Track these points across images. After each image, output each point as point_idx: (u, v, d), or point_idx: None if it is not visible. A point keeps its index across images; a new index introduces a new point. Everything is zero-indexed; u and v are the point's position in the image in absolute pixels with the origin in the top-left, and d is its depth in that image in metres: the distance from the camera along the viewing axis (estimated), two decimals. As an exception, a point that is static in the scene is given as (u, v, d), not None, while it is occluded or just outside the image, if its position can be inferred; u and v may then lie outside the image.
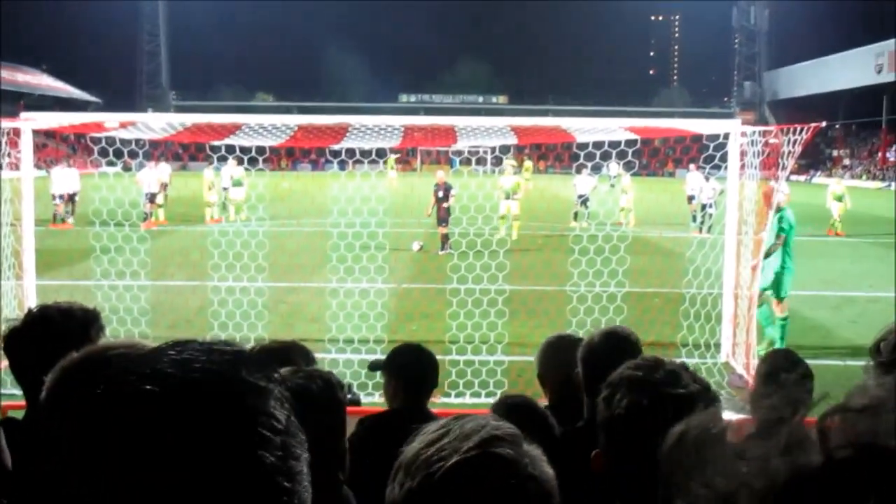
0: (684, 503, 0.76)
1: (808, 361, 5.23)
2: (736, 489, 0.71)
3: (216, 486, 0.85)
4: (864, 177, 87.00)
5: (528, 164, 53.04)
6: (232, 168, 30.11)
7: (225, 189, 32.69)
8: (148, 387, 0.90)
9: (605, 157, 13.96)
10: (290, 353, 3.51)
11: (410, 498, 1.45)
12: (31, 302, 10.44)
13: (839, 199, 31.44)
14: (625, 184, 31.72)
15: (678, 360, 2.42)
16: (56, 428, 2.17)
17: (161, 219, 31.50)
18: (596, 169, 30.54)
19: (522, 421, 2.91)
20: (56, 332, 3.07)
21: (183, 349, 0.96)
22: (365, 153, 14.11)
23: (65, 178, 30.79)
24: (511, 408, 3.85)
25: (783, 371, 4.87)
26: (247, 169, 20.12)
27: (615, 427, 2.13)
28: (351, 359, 11.72)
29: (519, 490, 1.44)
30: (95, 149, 12.88)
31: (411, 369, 4.83)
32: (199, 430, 0.87)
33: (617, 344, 3.81)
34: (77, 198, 30.77)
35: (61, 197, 30.51)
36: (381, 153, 13.68)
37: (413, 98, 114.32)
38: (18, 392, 3.40)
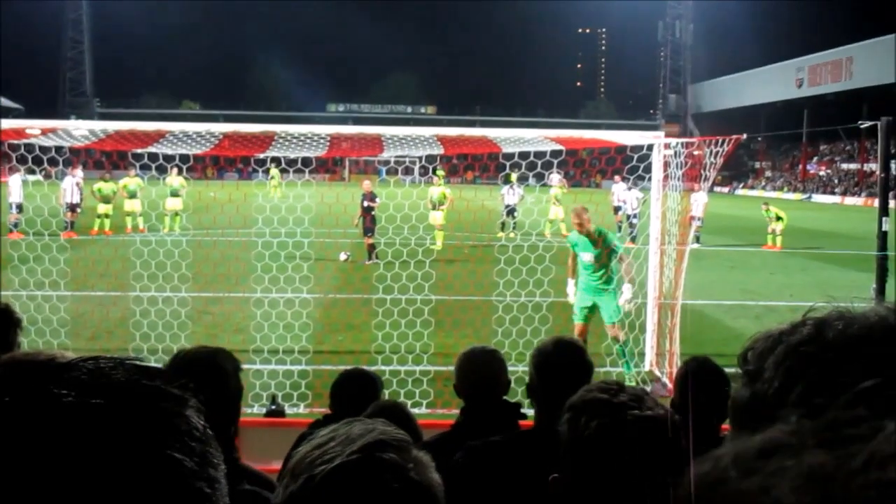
0: None
1: (730, 370, 5.28)
2: None
3: (136, 490, 0.83)
4: (786, 189, 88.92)
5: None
6: (171, 178, 29.59)
7: (127, 197, 31.94)
8: (64, 394, 0.88)
9: (531, 167, 14.04)
10: (216, 359, 3.46)
11: (293, 500, 1.45)
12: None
13: (780, 218, 32.07)
14: (553, 193, 31.87)
15: (638, 387, 2.43)
16: None
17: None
18: (523, 180, 30.80)
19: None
20: None
21: (95, 362, 0.94)
22: (291, 162, 14.00)
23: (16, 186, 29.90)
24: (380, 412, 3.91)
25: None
26: (186, 178, 19.51)
27: (583, 449, 2.12)
28: (276, 370, 11.62)
29: (400, 494, 1.44)
30: (14, 156, 12.57)
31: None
32: (117, 433, 0.85)
33: (569, 350, 3.90)
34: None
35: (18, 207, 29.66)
36: (306, 162, 13.59)
37: (341, 108, 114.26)
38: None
